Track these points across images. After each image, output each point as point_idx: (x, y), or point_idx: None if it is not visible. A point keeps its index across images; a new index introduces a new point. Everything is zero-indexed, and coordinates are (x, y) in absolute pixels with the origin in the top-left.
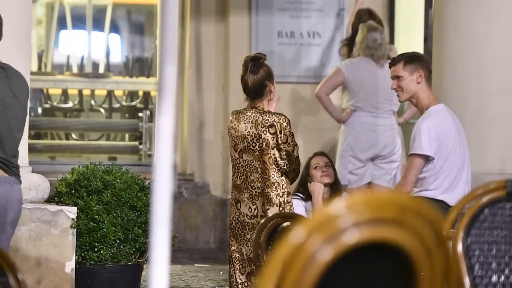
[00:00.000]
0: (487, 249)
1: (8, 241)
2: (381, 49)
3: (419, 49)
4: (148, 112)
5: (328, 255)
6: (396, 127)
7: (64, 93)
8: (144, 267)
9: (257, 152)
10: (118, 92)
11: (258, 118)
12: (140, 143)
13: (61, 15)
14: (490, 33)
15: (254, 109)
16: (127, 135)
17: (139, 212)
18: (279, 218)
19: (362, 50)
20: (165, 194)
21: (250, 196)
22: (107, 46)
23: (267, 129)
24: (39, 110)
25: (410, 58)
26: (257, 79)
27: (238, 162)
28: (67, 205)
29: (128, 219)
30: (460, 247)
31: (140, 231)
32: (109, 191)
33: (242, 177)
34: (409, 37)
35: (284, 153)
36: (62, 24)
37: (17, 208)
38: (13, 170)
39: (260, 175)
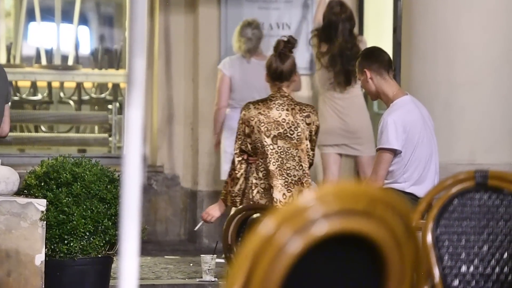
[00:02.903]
0: (456, 240)
1: None
2: (249, 43)
3: (388, 40)
4: (117, 104)
5: (297, 246)
6: None
7: (33, 85)
8: (114, 259)
9: (294, 140)
10: (87, 84)
11: (295, 107)
12: (110, 135)
13: (29, 7)
14: (459, 24)
15: (284, 97)
16: (96, 127)
17: (109, 204)
18: (249, 209)
19: (237, 46)
20: (135, 186)
21: (286, 183)
22: (76, 38)
23: (304, 119)
24: None
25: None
26: (290, 63)
27: (272, 148)
28: (36, 197)
29: (98, 211)
30: (429, 238)
31: (110, 223)
32: (78, 183)
33: (276, 163)
34: (378, 28)
35: (313, 144)
36: (30, 16)
37: None
38: None
39: (297, 163)
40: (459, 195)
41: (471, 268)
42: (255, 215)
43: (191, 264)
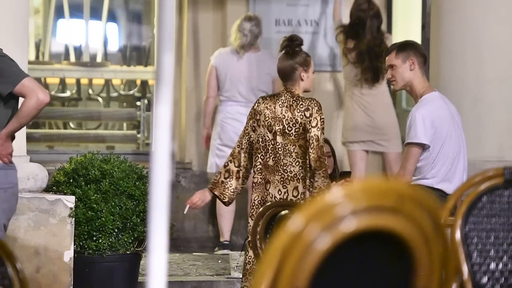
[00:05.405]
0: (485, 237)
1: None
2: (244, 38)
3: (417, 37)
4: (146, 101)
5: (326, 243)
6: None
7: (62, 82)
8: (143, 256)
9: (292, 137)
10: (115, 81)
11: (293, 103)
12: (138, 132)
13: (58, 4)
14: (487, 21)
15: (289, 93)
16: (125, 124)
17: (137, 201)
18: (278, 206)
19: (232, 38)
20: (163, 183)
21: (282, 179)
22: (105, 35)
23: (302, 113)
24: None
25: (402, 46)
26: (287, 63)
27: (272, 143)
28: (65, 194)
29: (126, 208)
30: (458, 235)
31: (139, 220)
32: (107, 180)
33: (275, 159)
34: (406, 25)
35: (312, 135)
36: (59, 13)
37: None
38: None
39: (294, 159)
40: (488, 192)
41: (500, 265)
42: (283, 212)
43: (220, 261)
